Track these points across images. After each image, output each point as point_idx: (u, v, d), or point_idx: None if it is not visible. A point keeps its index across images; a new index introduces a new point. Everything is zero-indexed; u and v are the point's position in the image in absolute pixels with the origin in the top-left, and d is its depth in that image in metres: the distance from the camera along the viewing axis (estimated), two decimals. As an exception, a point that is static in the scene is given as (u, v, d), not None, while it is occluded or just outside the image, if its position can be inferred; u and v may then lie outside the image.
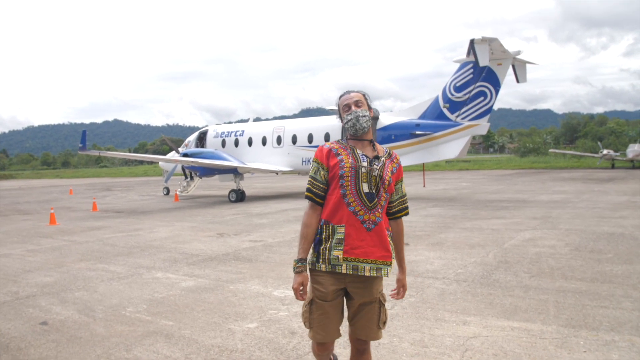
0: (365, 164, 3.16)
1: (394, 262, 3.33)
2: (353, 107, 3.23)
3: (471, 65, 18.87)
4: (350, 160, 3.18)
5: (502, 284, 6.77)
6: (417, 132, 19.79)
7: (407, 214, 3.41)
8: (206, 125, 27.65)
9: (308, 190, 3.26)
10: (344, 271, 3.12)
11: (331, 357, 3.59)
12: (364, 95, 3.31)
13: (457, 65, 19.45)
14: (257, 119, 31.36)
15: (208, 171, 23.28)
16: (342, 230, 3.12)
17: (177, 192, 25.30)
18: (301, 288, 3.23)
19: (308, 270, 3.27)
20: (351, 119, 3.21)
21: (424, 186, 26.25)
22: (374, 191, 3.14)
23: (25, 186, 47.08)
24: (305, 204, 3.33)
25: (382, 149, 3.33)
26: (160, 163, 29.73)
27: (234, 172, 22.66)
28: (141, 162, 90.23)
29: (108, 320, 5.82)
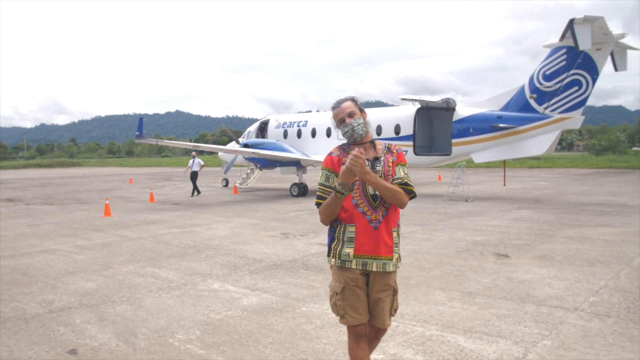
0: (368, 168, 3.18)
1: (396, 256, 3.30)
2: (347, 120, 3.30)
3: (564, 50, 16.72)
4: None
5: (664, 323, 5.06)
6: (499, 125, 17.79)
7: (411, 193, 3.26)
8: (265, 117, 26.46)
9: (319, 197, 3.28)
10: (353, 267, 3.22)
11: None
12: (353, 100, 3.38)
13: (548, 51, 17.31)
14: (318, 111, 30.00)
15: (269, 163, 22.20)
16: (353, 229, 3.22)
17: (237, 184, 24.38)
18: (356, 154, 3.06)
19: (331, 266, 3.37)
20: (348, 131, 3.30)
21: (504, 185, 24.15)
22: (377, 193, 3.20)
23: (89, 174, 47.83)
24: None
25: (381, 147, 3.37)
26: (219, 154, 28.90)
27: (297, 164, 21.41)
28: (201, 153, 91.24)
29: (151, 352, 4.56)
